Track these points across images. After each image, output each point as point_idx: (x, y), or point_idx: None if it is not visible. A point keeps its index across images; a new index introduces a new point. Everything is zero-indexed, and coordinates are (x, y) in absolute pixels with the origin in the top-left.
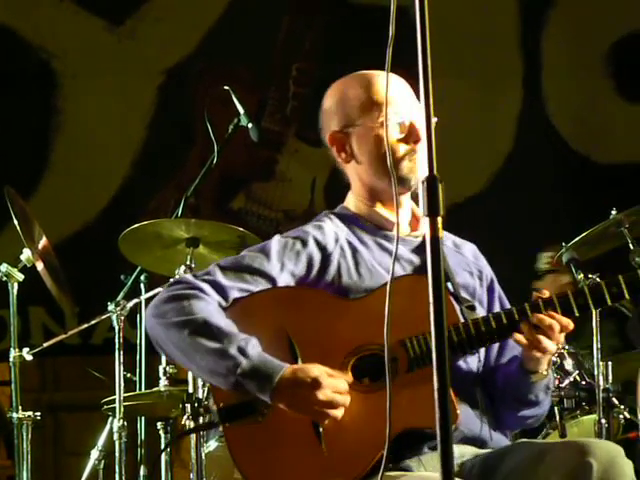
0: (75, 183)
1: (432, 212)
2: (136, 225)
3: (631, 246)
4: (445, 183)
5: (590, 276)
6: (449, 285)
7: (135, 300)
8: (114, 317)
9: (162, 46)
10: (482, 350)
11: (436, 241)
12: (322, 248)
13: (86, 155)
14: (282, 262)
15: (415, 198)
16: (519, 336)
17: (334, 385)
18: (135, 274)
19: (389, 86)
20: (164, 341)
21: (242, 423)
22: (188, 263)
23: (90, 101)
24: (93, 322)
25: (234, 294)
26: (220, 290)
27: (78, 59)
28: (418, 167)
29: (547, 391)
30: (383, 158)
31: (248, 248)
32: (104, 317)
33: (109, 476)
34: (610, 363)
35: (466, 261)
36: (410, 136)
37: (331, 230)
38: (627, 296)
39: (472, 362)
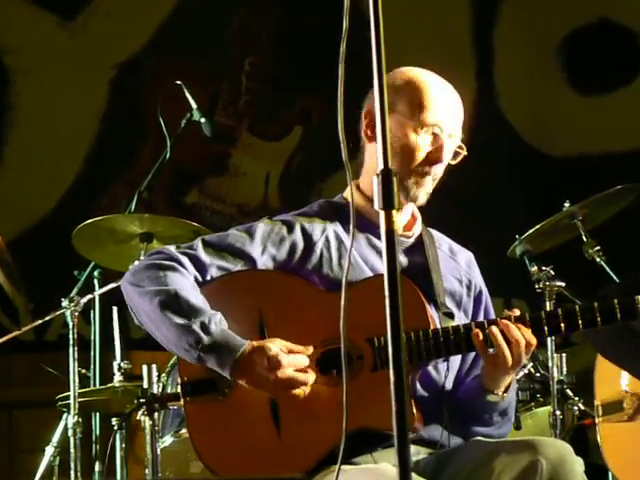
0: (28, 179)
1: (387, 205)
2: (90, 220)
3: (584, 238)
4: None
5: (544, 268)
6: (436, 289)
7: (89, 296)
8: (68, 313)
9: (114, 41)
10: (456, 360)
11: (391, 234)
12: (307, 236)
13: (39, 151)
14: (265, 245)
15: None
16: (477, 340)
17: (295, 362)
18: (89, 270)
19: (437, 90)
20: (137, 308)
21: (203, 399)
22: (142, 258)
23: (43, 97)
24: (47, 318)
25: (212, 271)
26: (199, 265)
27: (31, 55)
28: (426, 187)
29: (504, 416)
30: (401, 155)
31: (236, 227)
32: (58, 313)
33: (64, 472)
34: (564, 355)
35: (458, 268)
36: (434, 152)
37: (320, 219)
38: (599, 324)
39: (442, 370)
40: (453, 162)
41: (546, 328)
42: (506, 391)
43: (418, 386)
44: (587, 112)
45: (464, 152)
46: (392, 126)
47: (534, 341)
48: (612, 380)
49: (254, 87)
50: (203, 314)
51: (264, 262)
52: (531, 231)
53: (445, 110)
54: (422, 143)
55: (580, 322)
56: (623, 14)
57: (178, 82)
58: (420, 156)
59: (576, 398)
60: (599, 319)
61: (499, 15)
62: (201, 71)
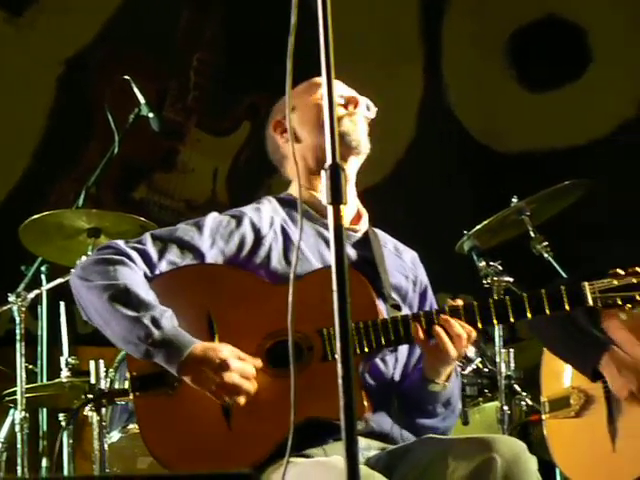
0: None
1: (335, 200)
2: (37, 215)
3: (532, 234)
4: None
5: (491, 263)
6: (383, 283)
7: (36, 291)
8: (15, 308)
9: (62, 36)
10: (404, 352)
11: (339, 229)
12: (256, 230)
13: None
14: (213, 239)
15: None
16: (417, 333)
17: (241, 369)
18: (36, 265)
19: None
20: (85, 302)
21: (152, 394)
22: (89, 254)
23: None
24: None
25: (161, 265)
26: (148, 260)
27: None
28: (358, 127)
29: (447, 406)
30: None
31: (184, 221)
32: (5, 308)
33: (11, 468)
34: (512, 350)
35: (404, 265)
36: (349, 103)
37: (268, 214)
38: (547, 310)
39: (390, 362)
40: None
41: (495, 316)
42: (447, 380)
43: (367, 377)
44: (535, 108)
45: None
46: (304, 117)
47: (474, 333)
48: (559, 376)
49: (202, 83)
50: (154, 309)
51: (213, 256)
52: (479, 227)
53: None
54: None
55: (528, 309)
56: (571, 10)
57: (126, 77)
58: (340, 108)
59: (524, 394)
60: (547, 306)
61: (447, 11)
62: (149, 66)
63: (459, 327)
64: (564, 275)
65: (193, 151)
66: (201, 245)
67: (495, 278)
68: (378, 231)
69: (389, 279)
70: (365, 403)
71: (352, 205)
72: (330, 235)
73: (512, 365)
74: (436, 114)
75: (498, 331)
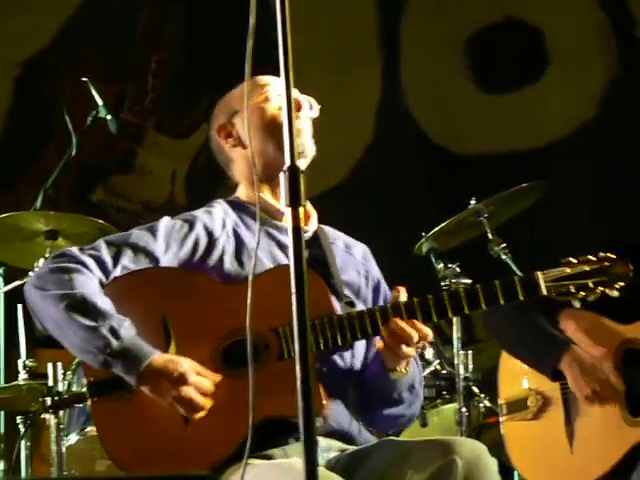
0: None
1: (294, 202)
2: None
3: (490, 235)
4: (305, 174)
5: (450, 265)
6: (336, 281)
7: None
8: None
9: (18, 38)
10: (361, 348)
11: (298, 231)
12: (209, 233)
13: None
14: (167, 243)
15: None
16: (379, 342)
17: (199, 384)
18: None
19: (271, 78)
20: (41, 312)
21: (110, 398)
22: (47, 256)
23: None
24: None
25: (116, 271)
26: (103, 266)
27: None
28: (303, 131)
29: (412, 390)
30: (269, 127)
31: (137, 226)
32: None
33: None
34: (470, 352)
35: (355, 261)
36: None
37: (219, 216)
38: (501, 301)
39: (347, 358)
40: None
41: (450, 309)
42: (407, 366)
43: (324, 371)
44: (493, 111)
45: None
46: (249, 121)
47: (430, 336)
48: (516, 378)
49: (160, 85)
50: (112, 318)
51: (167, 260)
52: (437, 229)
53: (275, 79)
54: (275, 104)
55: (482, 300)
56: (529, 13)
57: (84, 79)
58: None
59: (482, 395)
60: (501, 296)
61: (405, 11)
62: (107, 68)
63: (410, 329)
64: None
65: (151, 153)
66: (155, 249)
67: (453, 280)
68: (327, 228)
69: (341, 277)
70: (324, 402)
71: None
72: (289, 237)
73: (470, 367)
74: (394, 116)
75: (456, 333)
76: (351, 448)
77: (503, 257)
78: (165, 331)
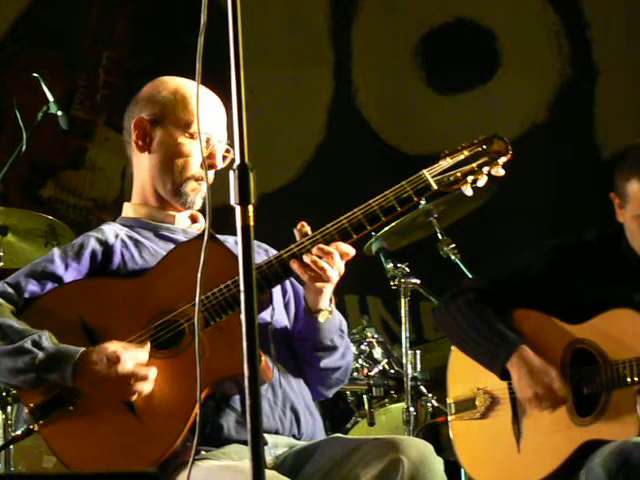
0: None
1: (243, 201)
2: None
3: (439, 236)
4: (256, 172)
5: (399, 265)
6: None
7: None
8: None
9: None
10: (280, 309)
11: (247, 230)
12: (103, 243)
13: None
14: (65, 262)
15: None
16: (298, 266)
17: (133, 357)
18: None
19: (201, 99)
20: None
21: (55, 417)
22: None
23: None
24: None
25: (25, 298)
26: (10, 298)
27: None
28: (202, 192)
29: (342, 335)
30: (176, 165)
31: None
32: None
33: None
34: (419, 352)
35: (256, 249)
36: (209, 159)
37: (110, 229)
38: (398, 208)
39: (266, 316)
40: (223, 165)
41: (351, 230)
42: (331, 303)
43: None
44: (445, 111)
45: (231, 155)
46: (163, 138)
47: (352, 252)
48: (465, 378)
49: (111, 81)
50: (31, 333)
51: (71, 275)
52: (387, 228)
53: (213, 117)
54: (196, 150)
55: (379, 211)
56: (480, 14)
57: (35, 74)
58: (195, 163)
59: (430, 395)
60: (396, 204)
61: (357, 12)
62: (58, 64)
63: (329, 248)
64: (470, 277)
65: (101, 149)
66: (56, 270)
67: (403, 280)
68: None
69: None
70: (263, 358)
71: (186, 212)
72: (238, 235)
73: (418, 367)
74: (346, 116)
75: (404, 333)
76: (297, 443)
77: (452, 257)
78: (89, 337)
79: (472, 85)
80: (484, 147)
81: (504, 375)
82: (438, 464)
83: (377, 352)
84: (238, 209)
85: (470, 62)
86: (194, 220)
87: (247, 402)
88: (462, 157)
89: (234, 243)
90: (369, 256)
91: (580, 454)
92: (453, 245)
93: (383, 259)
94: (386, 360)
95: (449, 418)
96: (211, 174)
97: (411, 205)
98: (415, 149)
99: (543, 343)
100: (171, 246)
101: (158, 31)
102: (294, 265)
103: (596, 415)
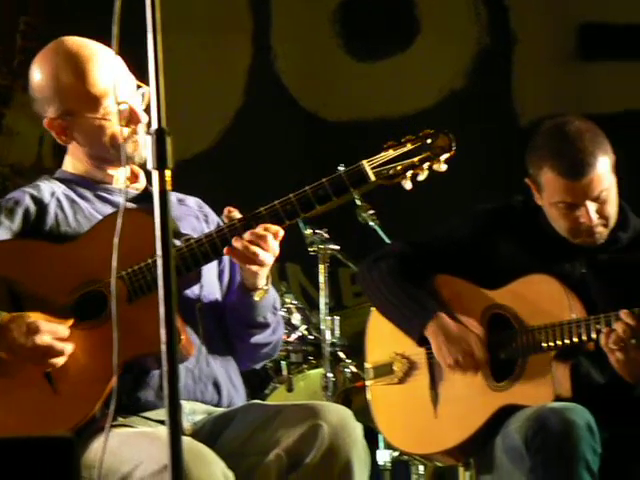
0: None
1: (161, 165)
2: None
3: (358, 202)
4: (174, 139)
5: (318, 231)
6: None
7: None
8: None
9: None
10: (214, 279)
11: (164, 194)
12: (37, 201)
13: None
14: None
15: None
16: (229, 250)
17: (53, 330)
18: None
19: (95, 61)
20: None
21: None
22: None
23: None
24: None
25: None
26: None
27: None
28: (141, 145)
29: (275, 312)
30: (106, 146)
31: None
32: None
33: None
34: (337, 318)
35: (190, 209)
36: (131, 121)
37: (47, 186)
38: (333, 198)
39: (195, 292)
40: (146, 104)
41: (283, 215)
42: (267, 283)
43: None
44: (363, 78)
45: (147, 88)
46: (81, 127)
47: (281, 232)
48: (382, 343)
49: (29, 47)
50: None
51: (1, 235)
52: None
53: (115, 81)
54: (116, 123)
55: (314, 200)
56: None
57: None
58: (119, 128)
59: (348, 361)
60: (332, 193)
61: None
62: None
63: (261, 230)
64: (389, 242)
65: (19, 115)
66: None
67: (321, 246)
68: None
69: (175, 224)
70: (182, 336)
71: (127, 167)
72: (155, 200)
73: (337, 332)
74: (264, 82)
75: (323, 299)
76: (215, 410)
77: (371, 223)
78: (12, 296)
79: (391, 52)
80: (428, 141)
81: (422, 341)
82: (358, 429)
83: (296, 318)
84: (155, 174)
85: (389, 29)
86: (135, 177)
87: (164, 372)
88: (404, 150)
89: (175, 200)
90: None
91: (496, 419)
92: (372, 211)
93: (301, 225)
94: (305, 326)
95: (367, 383)
96: (141, 128)
97: (347, 195)
98: (334, 115)
99: (461, 308)
100: (108, 208)
101: None
102: (226, 250)
103: (512, 380)
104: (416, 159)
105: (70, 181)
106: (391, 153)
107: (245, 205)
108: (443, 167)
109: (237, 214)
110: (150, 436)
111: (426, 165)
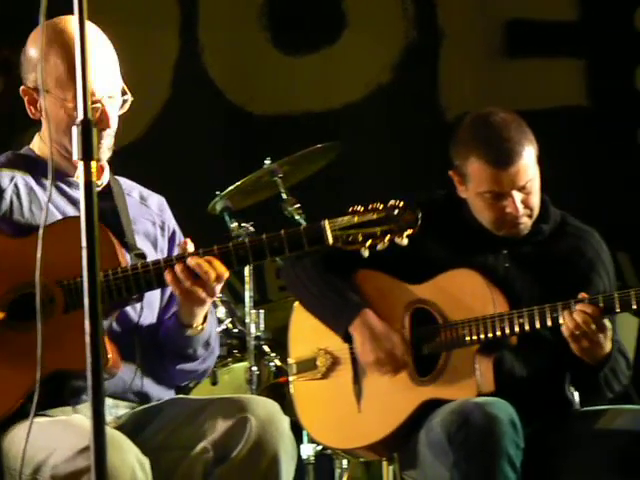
0: None
1: (86, 156)
2: None
3: (284, 195)
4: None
5: (243, 225)
6: (127, 233)
7: None
8: None
9: None
10: (153, 298)
11: (90, 186)
12: None
13: None
14: None
15: None
16: (169, 277)
17: None
18: None
19: (91, 68)
20: None
21: None
22: None
23: None
24: None
25: None
26: None
27: None
28: (105, 144)
29: (207, 347)
30: (69, 132)
31: None
32: None
33: None
34: (262, 311)
35: (150, 212)
36: (100, 123)
37: (7, 169)
38: (287, 252)
39: (137, 307)
40: (123, 111)
41: (235, 259)
42: (204, 322)
43: (113, 325)
44: (290, 72)
45: (130, 97)
46: (52, 108)
47: (225, 272)
48: (306, 338)
49: None
50: None
51: None
52: (231, 187)
53: (96, 75)
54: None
55: (267, 251)
56: None
57: None
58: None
59: (273, 355)
60: (286, 247)
61: None
62: None
63: (207, 266)
64: None
65: None
66: None
67: (247, 239)
68: (123, 180)
69: (132, 228)
70: (109, 355)
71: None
72: (80, 191)
73: (262, 326)
74: (191, 74)
75: (248, 292)
76: (142, 406)
77: (297, 217)
78: None
79: (318, 46)
80: (394, 213)
81: (347, 338)
82: (285, 423)
83: (220, 311)
84: (81, 165)
85: (316, 23)
86: (99, 170)
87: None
88: (368, 218)
89: (138, 197)
90: (213, 215)
91: (420, 413)
92: (297, 205)
93: (228, 218)
94: (229, 319)
95: (290, 378)
96: (114, 126)
97: (299, 250)
98: (260, 109)
99: (384, 303)
100: (63, 203)
101: None
102: (168, 277)
103: (435, 375)
104: (378, 230)
105: (33, 163)
106: (355, 220)
107: (170, 197)
108: (405, 241)
109: (191, 247)
110: (64, 423)
111: (387, 238)
